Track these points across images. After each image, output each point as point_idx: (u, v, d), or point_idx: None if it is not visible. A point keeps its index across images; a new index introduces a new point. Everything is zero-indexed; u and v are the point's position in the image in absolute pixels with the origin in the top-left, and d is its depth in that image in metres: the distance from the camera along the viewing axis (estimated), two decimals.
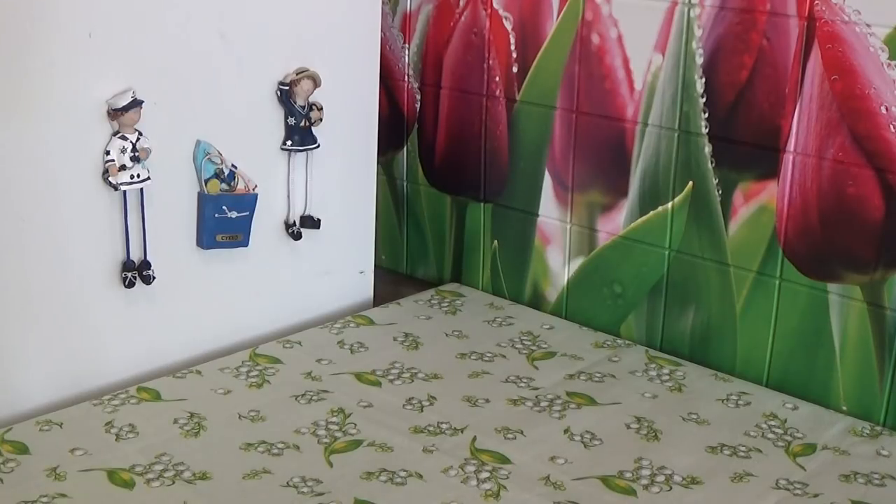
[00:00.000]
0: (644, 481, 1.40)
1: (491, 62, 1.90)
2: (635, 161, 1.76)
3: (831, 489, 1.39)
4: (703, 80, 1.65)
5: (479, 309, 1.92)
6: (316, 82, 1.75)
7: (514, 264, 1.97)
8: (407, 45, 2.01)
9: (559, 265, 1.90)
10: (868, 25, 1.47)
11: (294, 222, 1.82)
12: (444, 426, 1.51)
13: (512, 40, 1.86)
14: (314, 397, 1.59)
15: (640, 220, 1.77)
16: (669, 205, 1.73)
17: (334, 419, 1.52)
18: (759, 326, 1.67)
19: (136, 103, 1.53)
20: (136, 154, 1.55)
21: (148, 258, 1.62)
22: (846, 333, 1.59)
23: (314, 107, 1.76)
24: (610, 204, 1.81)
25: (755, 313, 1.67)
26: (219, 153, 1.67)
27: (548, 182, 1.88)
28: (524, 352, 1.75)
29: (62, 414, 1.51)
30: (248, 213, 1.72)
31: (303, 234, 1.82)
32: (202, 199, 1.67)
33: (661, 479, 1.40)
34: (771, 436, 1.52)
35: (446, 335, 1.81)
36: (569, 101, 1.81)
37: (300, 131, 1.76)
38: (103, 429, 1.48)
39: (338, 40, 1.81)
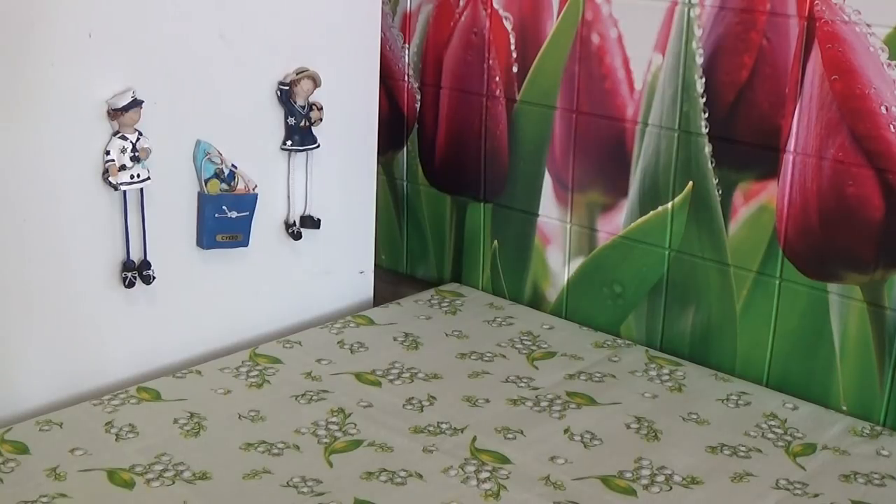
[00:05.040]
0: (644, 481, 1.40)
1: (491, 62, 1.90)
2: (635, 161, 1.76)
3: (831, 489, 1.39)
4: (703, 80, 1.65)
5: (479, 309, 1.92)
6: (316, 82, 1.75)
7: (514, 264, 1.97)
8: (407, 45, 2.01)
9: (559, 265, 1.90)
10: (868, 25, 1.47)
11: (294, 222, 1.82)
12: (444, 426, 1.51)
13: (512, 40, 1.86)
14: (314, 397, 1.59)
15: (640, 220, 1.77)
16: (669, 205, 1.73)
17: (334, 419, 1.52)
18: (759, 326, 1.67)
19: (136, 103, 1.53)
20: (136, 154, 1.55)
21: (148, 258, 1.62)
22: (846, 333, 1.59)
23: (314, 107, 1.76)
24: (610, 204, 1.81)
25: (755, 313, 1.67)
26: (219, 153, 1.67)
27: (548, 182, 1.88)
28: (524, 352, 1.75)
29: (62, 414, 1.51)
30: (248, 213, 1.72)
31: (303, 234, 1.82)
32: (202, 199, 1.67)
33: (661, 479, 1.40)
34: (771, 436, 1.52)
35: (446, 335, 1.81)
36: (569, 101, 1.81)
37: (300, 131, 1.76)
38: (103, 429, 1.48)
39: (338, 40, 1.81)
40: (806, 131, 1.56)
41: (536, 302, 1.94)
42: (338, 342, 1.77)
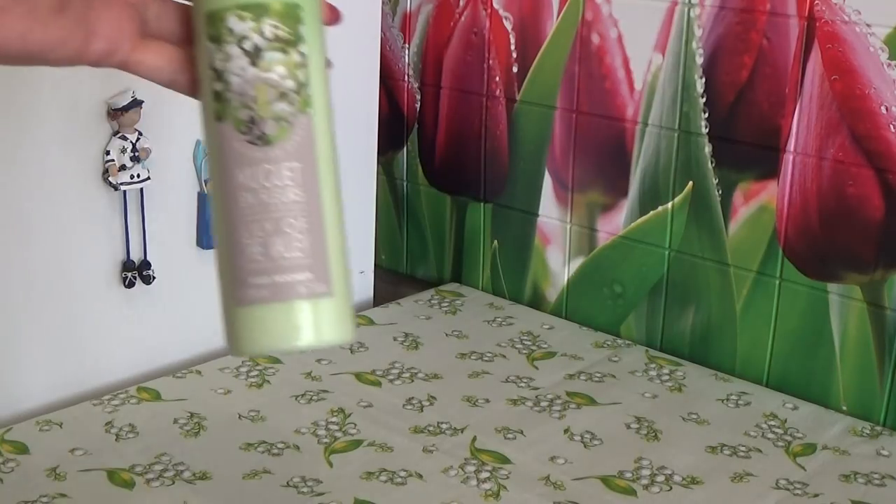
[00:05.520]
0: (644, 481, 1.40)
1: (491, 62, 1.90)
2: (635, 161, 1.76)
3: (831, 489, 1.39)
4: (703, 80, 1.65)
5: (479, 309, 1.92)
6: None
7: (514, 264, 1.97)
8: (407, 45, 2.01)
9: (559, 265, 1.90)
10: (868, 25, 1.47)
11: None
12: (444, 426, 1.51)
13: (512, 40, 1.86)
14: (314, 397, 1.59)
15: (640, 220, 1.77)
16: (669, 205, 1.73)
17: (334, 419, 1.52)
18: (759, 326, 1.67)
19: (136, 103, 1.53)
20: (136, 154, 1.55)
21: (148, 258, 1.62)
22: (846, 333, 1.59)
23: None
24: (610, 204, 1.81)
25: (755, 313, 1.67)
26: None
27: (548, 182, 1.88)
28: (524, 352, 1.75)
29: (62, 414, 1.51)
30: None
31: None
32: (202, 199, 1.67)
33: (661, 479, 1.40)
34: (771, 436, 1.52)
35: (446, 335, 1.81)
36: (569, 101, 1.81)
37: None
38: (103, 429, 1.48)
39: (338, 40, 1.81)
40: (806, 131, 1.56)
41: (536, 302, 1.94)
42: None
